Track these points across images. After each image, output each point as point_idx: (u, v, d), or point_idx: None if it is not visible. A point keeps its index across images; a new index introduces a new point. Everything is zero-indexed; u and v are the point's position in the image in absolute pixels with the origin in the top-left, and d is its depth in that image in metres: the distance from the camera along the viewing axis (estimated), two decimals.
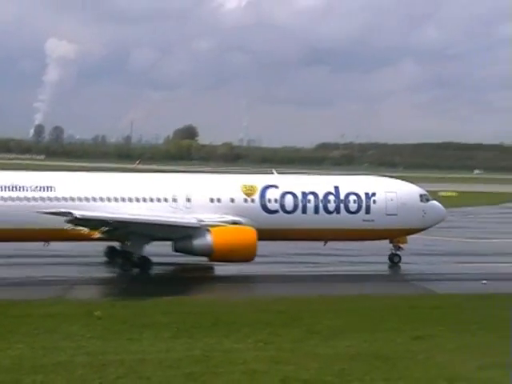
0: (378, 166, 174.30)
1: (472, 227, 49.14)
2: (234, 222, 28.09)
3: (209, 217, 27.99)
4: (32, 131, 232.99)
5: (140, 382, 14.47)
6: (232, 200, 29.19)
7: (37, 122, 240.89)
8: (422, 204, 31.25)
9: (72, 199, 27.76)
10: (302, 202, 29.83)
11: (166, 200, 28.67)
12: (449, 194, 74.90)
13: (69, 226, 25.93)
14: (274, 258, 27.53)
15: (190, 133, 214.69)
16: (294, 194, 29.88)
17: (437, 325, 20.00)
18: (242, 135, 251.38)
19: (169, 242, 27.96)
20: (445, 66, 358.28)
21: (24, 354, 16.10)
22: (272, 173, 33.43)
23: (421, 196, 31.52)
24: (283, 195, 29.75)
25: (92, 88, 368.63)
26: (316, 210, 29.89)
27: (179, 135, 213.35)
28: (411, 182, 33.49)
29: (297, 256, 33.60)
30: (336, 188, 30.43)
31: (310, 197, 29.96)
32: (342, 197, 30.22)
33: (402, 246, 31.67)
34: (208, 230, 26.75)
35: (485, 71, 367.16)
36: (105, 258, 30.86)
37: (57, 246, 29.67)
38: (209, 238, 26.53)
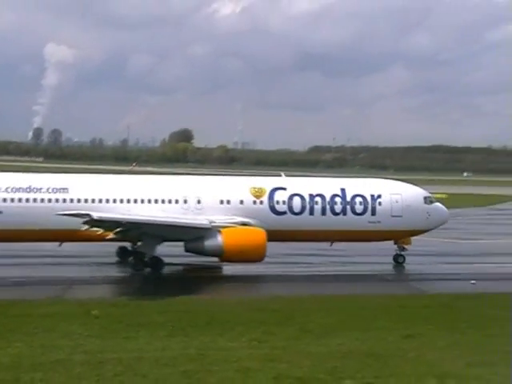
0: (368, 168, 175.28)
1: (460, 228, 49.59)
2: (244, 224, 28.53)
3: (218, 218, 28.40)
4: (31, 134, 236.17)
5: (136, 380, 14.70)
6: (241, 202, 29.69)
7: (36, 125, 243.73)
8: (426, 206, 31.80)
9: (86, 200, 28.18)
10: (309, 203, 30.31)
11: (177, 201, 29.13)
12: (438, 196, 75.41)
13: (85, 227, 26.41)
14: (268, 258, 27.80)
15: (185, 136, 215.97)
16: (301, 196, 30.37)
17: (427, 324, 20.33)
18: (236, 138, 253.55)
19: (168, 243, 28.43)
20: (435, 71, 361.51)
21: (23, 353, 16.31)
22: (280, 175, 33.91)
23: (425, 198, 32.08)
24: (291, 197, 30.25)
25: (90, 92, 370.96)
26: (323, 212, 30.38)
27: (175, 138, 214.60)
28: (415, 185, 33.94)
29: (289, 256, 33.92)
30: (342, 190, 30.94)
31: (317, 199, 30.45)
32: (348, 199, 30.74)
33: (406, 246, 32.19)
34: (219, 231, 27.16)
35: (473, 76, 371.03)
36: (104, 258, 31.22)
37: (52, 246, 29.93)
38: (220, 239, 26.93)
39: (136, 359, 15.97)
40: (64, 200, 28.04)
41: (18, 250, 30.74)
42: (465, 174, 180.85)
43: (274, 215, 29.84)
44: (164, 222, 27.25)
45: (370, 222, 30.76)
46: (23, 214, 27.59)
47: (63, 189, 28.31)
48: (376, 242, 32.07)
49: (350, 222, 30.57)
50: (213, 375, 15.05)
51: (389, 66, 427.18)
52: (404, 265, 32.42)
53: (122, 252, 31.20)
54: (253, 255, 27.20)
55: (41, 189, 28.18)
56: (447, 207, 33.57)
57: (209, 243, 27.00)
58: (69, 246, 29.70)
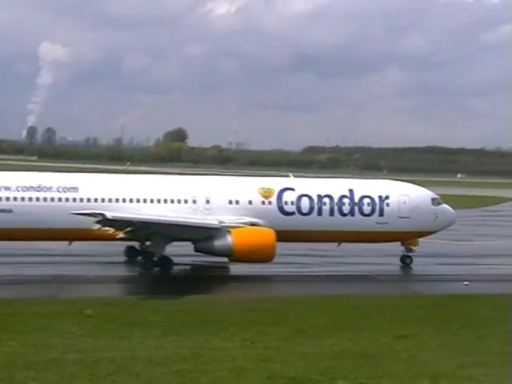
0: (363, 169, 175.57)
1: (454, 230, 49.55)
2: (252, 224, 28.65)
3: (227, 218, 28.52)
4: (25, 133, 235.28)
5: (130, 379, 14.73)
6: (250, 202, 29.81)
7: (30, 124, 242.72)
8: (434, 207, 31.93)
9: (96, 200, 28.29)
10: (317, 204, 30.41)
11: (186, 201, 29.24)
12: None
13: (97, 227, 26.57)
14: None
15: (179, 135, 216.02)
16: (309, 197, 30.47)
17: (420, 324, 20.43)
18: (230, 138, 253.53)
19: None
20: (429, 72, 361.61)
21: (16, 351, 16.31)
22: (288, 176, 34.06)
23: (432, 199, 32.21)
24: (299, 198, 30.37)
25: (85, 91, 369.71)
26: (331, 213, 30.48)
27: (169, 138, 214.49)
28: (423, 186, 34.06)
29: (282, 257, 33.87)
30: (350, 191, 31.06)
31: (326, 199, 30.55)
32: (356, 200, 30.87)
33: (413, 248, 32.32)
34: (228, 231, 27.28)
35: (468, 78, 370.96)
36: (103, 258, 31.47)
37: (50, 246, 30.03)
38: (229, 239, 27.05)
39: (129, 358, 16.00)
40: (74, 199, 28.19)
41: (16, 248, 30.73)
42: (459, 175, 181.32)
43: (282, 215, 29.99)
44: (175, 221, 27.45)
45: (377, 223, 30.89)
46: (33, 212, 27.71)
47: (73, 188, 28.46)
48: (383, 243, 32.25)
49: (357, 222, 30.70)
50: (206, 375, 15.08)
51: (384, 67, 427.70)
52: (399, 265, 32.55)
53: (130, 251, 31.38)
54: (262, 255, 27.35)
55: (51, 188, 28.28)
56: None
57: (218, 243, 27.15)
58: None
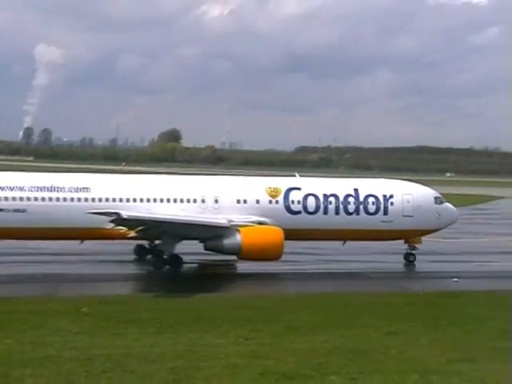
0: (353, 168, 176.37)
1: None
2: (260, 223, 28.97)
3: (236, 217, 28.87)
4: (21, 133, 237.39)
5: (125, 376, 14.87)
6: (257, 201, 30.15)
7: (26, 125, 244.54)
8: (437, 206, 32.36)
9: (107, 200, 28.55)
10: (323, 203, 30.75)
11: (195, 201, 29.57)
12: None
13: (111, 226, 26.86)
14: None
15: (174, 136, 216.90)
16: (315, 196, 30.81)
17: (410, 321, 20.67)
18: (224, 139, 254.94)
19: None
20: (420, 73, 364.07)
21: (13, 349, 16.44)
22: (294, 175, 34.37)
23: (435, 198, 32.64)
24: (306, 197, 30.71)
25: (80, 92, 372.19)
26: (337, 211, 30.84)
27: (164, 138, 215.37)
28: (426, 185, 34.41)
29: None
30: (355, 190, 31.43)
31: (331, 198, 30.90)
32: (361, 198, 31.23)
33: (416, 245, 32.79)
34: (237, 230, 27.58)
35: (457, 79, 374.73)
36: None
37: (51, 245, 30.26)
38: (238, 238, 27.35)
39: (124, 355, 16.15)
40: (86, 199, 28.48)
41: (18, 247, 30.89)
42: (447, 174, 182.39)
43: (289, 214, 30.33)
44: (187, 221, 27.82)
45: (382, 222, 31.29)
46: (47, 212, 27.94)
47: (85, 188, 28.73)
48: (387, 241, 32.72)
49: (363, 221, 31.07)
50: (200, 371, 15.24)
51: (374, 68, 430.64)
52: (387, 263, 32.93)
53: (139, 250, 31.70)
54: (271, 253, 27.67)
55: (63, 188, 28.54)
56: None
57: (228, 242, 27.47)
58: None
